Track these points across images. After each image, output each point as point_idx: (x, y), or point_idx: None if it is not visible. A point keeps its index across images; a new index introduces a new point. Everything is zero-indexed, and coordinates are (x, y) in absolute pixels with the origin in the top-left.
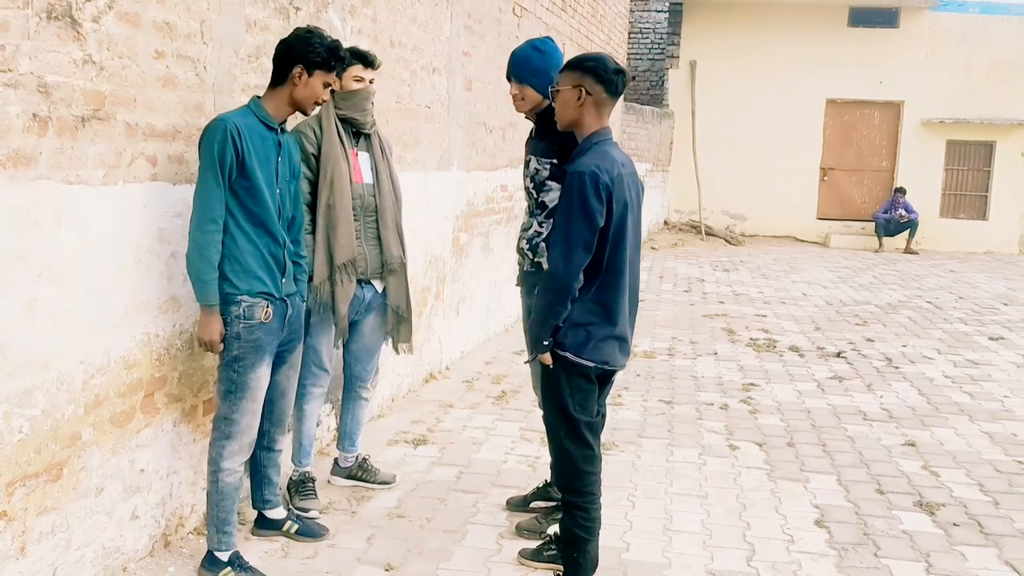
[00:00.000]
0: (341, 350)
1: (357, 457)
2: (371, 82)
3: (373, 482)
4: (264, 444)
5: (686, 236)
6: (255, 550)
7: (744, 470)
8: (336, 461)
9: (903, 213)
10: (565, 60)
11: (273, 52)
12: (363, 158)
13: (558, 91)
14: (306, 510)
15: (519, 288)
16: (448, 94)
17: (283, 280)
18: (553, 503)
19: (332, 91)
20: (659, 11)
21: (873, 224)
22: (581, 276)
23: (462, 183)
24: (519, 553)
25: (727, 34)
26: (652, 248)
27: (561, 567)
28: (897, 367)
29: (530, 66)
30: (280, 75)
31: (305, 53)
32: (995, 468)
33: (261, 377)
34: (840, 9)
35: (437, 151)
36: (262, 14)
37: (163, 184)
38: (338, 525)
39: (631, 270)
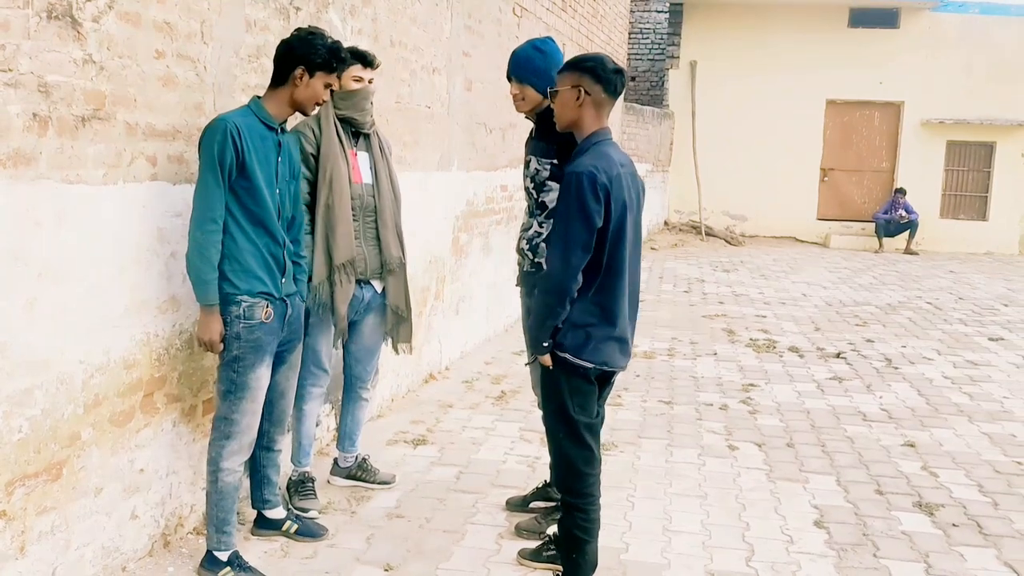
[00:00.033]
0: (341, 350)
1: (357, 457)
2: (370, 82)
3: (372, 482)
4: (264, 444)
5: (686, 236)
6: (254, 550)
7: (743, 470)
8: (336, 461)
9: (903, 214)
10: (565, 60)
11: (273, 52)
12: (362, 158)
13: (557, 92)
14: (305, 510)
15: (519, 288)
16: (448, 94)
17: (283, 280)
18: (552, 503)
19: (331, 91)
20: (659, 11)
21: (873, 225)
22: (580, 277)
23: (462, 183)
24: (518, 553)
25: (727, 34)
26: (652, 248)
27: (560, 567)
28: (897, 368)
29: (531, 66)
30: (281, 75)
31: (307, 54)
32: (994, 469)
33: (261, 377)
34: (840, 9)
35: (437, 151)
36: (262, 14)
37: (163, 184)
38: (337, 525)
39: (631, 271)
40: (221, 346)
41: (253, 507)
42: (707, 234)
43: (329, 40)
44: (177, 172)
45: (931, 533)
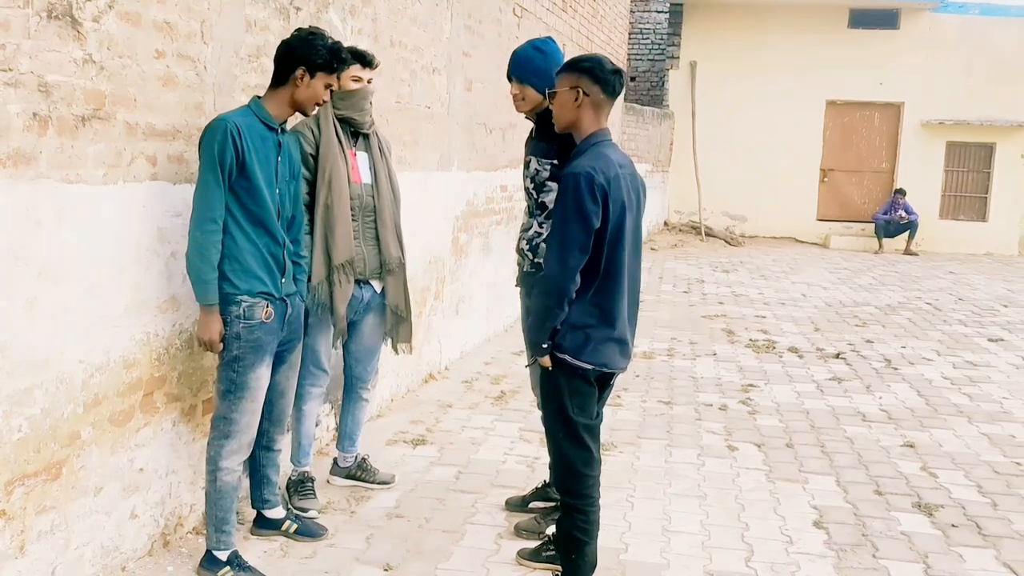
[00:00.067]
0: (340, 350)
1: (356, 457)
2: (370, 82)
3: (372, 482)
4: (263, 444)
5: (686, 237)
6: (254, 550)
7: (743, 471)
8: (335, 461)
9: (903, 214)
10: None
11: (273, 52)
12: (361, 158)
13: (555, 93)
14: (305, 510)
15: (519, 288)
16: (448, 94)
17: (283, 280)
18: (552, 503)
19: (331, 91)
20: (659, 12)
21: (873, 225)
22: (578, 278)
23: (462, 183)
24: (518, 553)
25: (727, 35)
26: (652, 249)
27: (559, 567)
28: (896, 368)
29: (531, 66)
30: (281, 76)
31: (307, 54)
32: (993, 469)
33: (261, 377)
34: (840, 10)
35: (437, 151)
36: (262, 14)
37: (163, 184)
38: (337, 525)
39: (630, 272)
40: (221, 346)
41: (253, 507)
42: (707, 234)
43: (329, 40)
44: (177, 172)
45: (930, 534)
